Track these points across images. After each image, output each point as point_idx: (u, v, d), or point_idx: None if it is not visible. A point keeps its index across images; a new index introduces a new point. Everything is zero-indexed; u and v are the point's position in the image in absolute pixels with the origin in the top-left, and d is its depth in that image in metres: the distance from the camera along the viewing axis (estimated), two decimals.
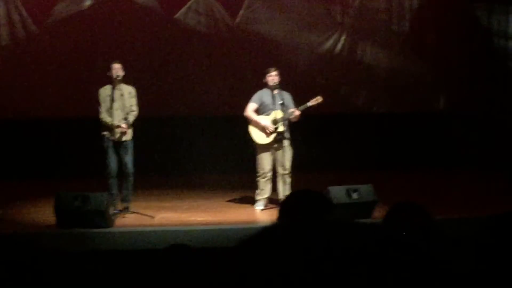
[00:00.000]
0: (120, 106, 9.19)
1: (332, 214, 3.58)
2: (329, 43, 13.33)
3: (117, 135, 9.18)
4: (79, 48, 12.45)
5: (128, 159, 9.25)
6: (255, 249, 1.41)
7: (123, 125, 9.12)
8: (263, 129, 9.47)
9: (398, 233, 2.94)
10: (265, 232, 1.44)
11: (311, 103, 9.48)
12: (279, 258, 1.37)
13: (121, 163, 9.28)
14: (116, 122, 9.15)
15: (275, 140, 9.44)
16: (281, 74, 9.54)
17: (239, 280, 1.38)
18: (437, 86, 13.64)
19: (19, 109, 12.35)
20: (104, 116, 9.19)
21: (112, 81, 9.21)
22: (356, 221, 1.60)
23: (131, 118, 9.25)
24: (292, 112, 9.38)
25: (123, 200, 9.29)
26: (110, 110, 9.16)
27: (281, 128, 9.41)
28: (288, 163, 9.43)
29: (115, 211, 8.82)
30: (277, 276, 1.35)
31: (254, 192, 9.66)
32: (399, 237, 1.49)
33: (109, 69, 9.26)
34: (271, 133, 9.42)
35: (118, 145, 9.26)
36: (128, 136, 9.24)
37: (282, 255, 1.37)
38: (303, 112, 9.45)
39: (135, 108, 9.33)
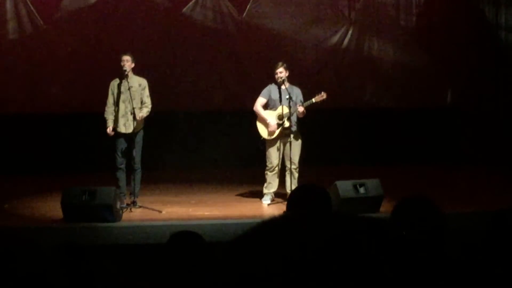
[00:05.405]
0: (127, 98, 9.16)
1: (331, 209, 3.57)
2: (336, 38, 13.31)
3: (122, 128, 9.18)
4: (86, 42, 12.46)
5: (136, 152, 9.22)
6: (255, 242, 1.40)
7: (138, 115, 9.05)
8: (268, 125, 9.47)
9: (406, 227, 2.93)
10: (264, 225, 1.44)
11: (316, 99, 9.46)
12: (279, 251, 1.36)
13: (130, 157, 9.28)
14: (120, 115, 9.16)
15: (281, 135, 9.44)
16: (289, 69, 9.51)
17: (239, 274, 1.37)
18: (443, 81, 13.61)
19: (26, 104, 12.38)
20: (107, 111, 9.23)
21: (121, 73, 9.23)
22: (363, 215, 1.59)
23: (144, 112, 9.18)
24: (297, 108, 9.36)
25: (131, 193, 9.28)
26: (117, 102, 9.18)
27: (286, 124, 9.39)
28: (296, 158, 9.44)
29: (122, 206, 8.82)
30: (278, 270, 1.34)
31: (261, 186, 9.67)
32: (407, 232, 1.49)
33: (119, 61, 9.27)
34: (275, 131, 9.44)
35: (127, 137, 9.26)
36: (130, 128, 9.16)
37: (282, 248, 1.37)
38: (308, 108, 9.43)
39: (147, 100, 9.28)
